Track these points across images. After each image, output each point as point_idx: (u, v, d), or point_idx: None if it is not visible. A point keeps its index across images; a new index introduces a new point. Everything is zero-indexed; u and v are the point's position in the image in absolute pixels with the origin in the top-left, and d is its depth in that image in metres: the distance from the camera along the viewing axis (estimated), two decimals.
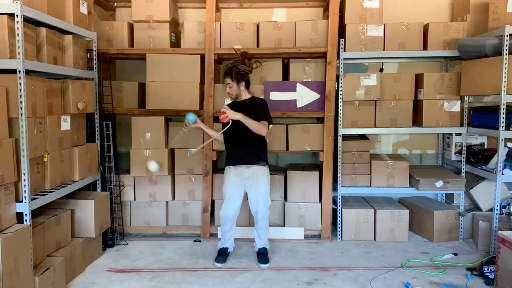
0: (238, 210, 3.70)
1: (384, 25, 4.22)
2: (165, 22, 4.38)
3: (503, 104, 3.66)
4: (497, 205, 3.81)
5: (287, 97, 4.30)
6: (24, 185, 2.86)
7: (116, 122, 4.64)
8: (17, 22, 2.77)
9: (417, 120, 4.35)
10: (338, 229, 4.32)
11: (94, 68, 4.00)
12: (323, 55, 4.31)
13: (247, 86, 3.70)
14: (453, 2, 4.68)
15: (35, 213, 3.18)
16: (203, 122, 4.30)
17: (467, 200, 4.42)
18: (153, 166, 3.88)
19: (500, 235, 3.19)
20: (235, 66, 3.63)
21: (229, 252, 3.80)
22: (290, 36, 4.32)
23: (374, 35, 4.21)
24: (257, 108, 3.64)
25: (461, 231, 4.31)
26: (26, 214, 2.87)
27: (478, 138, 4.53)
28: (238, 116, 3.49)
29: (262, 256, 3.71)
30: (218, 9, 4.62)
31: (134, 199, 4.43)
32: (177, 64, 4.25)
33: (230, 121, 3.53)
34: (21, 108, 2.81)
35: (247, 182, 3.64)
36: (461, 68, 4.22)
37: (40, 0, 3.07)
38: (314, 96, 4.30)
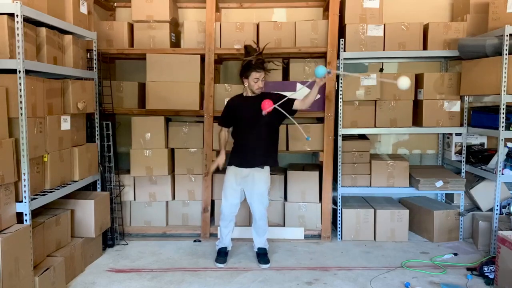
0: (236, 209, 3.71)
1: (384, 25, 4.21)
2: (165, 22, 4.38)
3: (503, 104, 3.66)
4: (497, 205, 3.81)
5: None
6: (24, 185, 2.86)
7: (116, 122, 4.63)
8: (17, 22, 2.76)
9: (417, 120, 4.35)
10: (338, 229, 4.32)
11: (94, 68, 4.00)
12: (323, 55, 4.31)
13: None
14: (453, 2, 4.68)
15: (35, 213, 3.18)
16: (202, 122, 4.33)
17: (467, 200, 4.42)
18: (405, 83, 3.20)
19: (500, 235, 3.19)
20: (262, 59, 3.57)
21: (228, 251, 3.80)
22: (290, 36, 4.32)
23: (374, 35, 4.21)
24: (280, 97, 3.54)
25: (461, 231, 4.31)
26: (26, 214, 2.86)
27: (478, 138, 4.53)
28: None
29: (262, 256, 3.71)
30: (218, 9, 4.62)
31: (134, 199, 4.43)
32: (177, 64, 4.25)
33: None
34: (21, 108, 2.81)
35: (244, 182, 3.63)
36: (461, 68, 4.22)
37: (40, 0, 3.06)
38: None
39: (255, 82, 3.56)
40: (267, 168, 3.67)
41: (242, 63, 3.65)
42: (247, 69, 3.58)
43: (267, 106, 3.36)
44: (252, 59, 3.57)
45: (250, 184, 3.61)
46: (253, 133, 3.57)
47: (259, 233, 3.75)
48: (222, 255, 3.73)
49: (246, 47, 3.71)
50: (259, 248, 3.76)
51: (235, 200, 3.68)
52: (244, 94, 3.71)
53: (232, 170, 3.67)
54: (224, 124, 3.80)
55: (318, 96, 4.27)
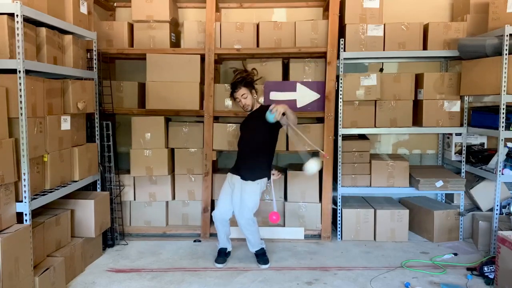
0: (228, 214, 3.68)
1: (384, 25, 4.21)
2: (165, 22, 4.38)
3: (503, 104, 3.66)
4: (497, 205, 3.81)
5: (287, 97, 4.29)
6: (24, 185, 2.86)
7: (116, 122, 4.64)
8: (17, 22, 2.77)
9: (417, 120, 4.35)
10: (338, 229, 4.32)
11: (94, 68, 4.00)
12: (323, 55, 4.31)
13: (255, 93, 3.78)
14: (453, 2, 4.68)
15: (35, 213, 3.18)
16: (202, 122, 4.33)
17: (467, 200, 4.42)
18: (312, 167, 3.45)
19: (500, 235, 3.19)
20: (242, 76, 3.64)
21: (229, 252, 3.80)
22: (290, 36, 4.32)
23: (374, 35, 4.21)
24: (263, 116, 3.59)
25: (461, 231, 4.31)
26: (26, 214, 2.87)
27: (478, 138, 4.53)
28: (284, 108, 3.34)
29: (261, 257, 3.71)
30: (218, 9, 4.62)
31: (134, 199, 4.43)
32: (177, 64, 4.25)
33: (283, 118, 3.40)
34: (21, 108, 2.81)
35: (233, 188, 3.64)
36: (461, 68, 4.22)
37: (40, 0, 3.07)
38: (314, 96, 4.30)
39: (238, 101, 3.70)
40: (252, 183, 3.57)
41: None
42: (231, 93, 3.75)
43: (275, 219, 3.64)
44: (234, 80, 3.68)
45: (237, 192, 3.60)
46: (245, 147, 3.69)
47: (248, 240, 3.73)
48: (222, 255, 3.73)
49: (234, 71, 3.82)
50: (256, 250, 3.75)
51: (226, 206, 3.67)
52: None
53: (228, 176, 3.75)
54: None
55: (318, 96, 4.29)
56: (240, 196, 3.59)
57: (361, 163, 4.35)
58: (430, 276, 3.46)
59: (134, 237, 4.34)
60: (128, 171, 4.39)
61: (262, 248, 3.76)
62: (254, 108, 3.74)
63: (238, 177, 3.62)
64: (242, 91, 3.63)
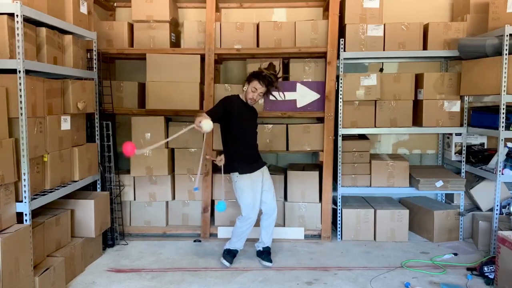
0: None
1: (384, 25, 4.22)
2: (165, 22, 4.38)
3: (503, 104, 3.66)
4: (497, 205, 3.81)
5: (287, 97, 4.28)
6: (24, 185, 2.86)
7: (116, 122, 4.64)
8: (17, 22, 2.77)
9: (417, 120, 4.35)
10: (338, 229, 4.32)
11: (94, 68, 4.00)
12: (323, 55, 4.31)
13: None
14: (453, 2, 4.68)
15: (35, 213, 3.18)
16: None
17: (467, 200, 4.42)
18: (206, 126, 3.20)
19: (500, 235, 3.19)
20: (274, 81, 3.56)
21: (237, 253, 3.80)
22: (290, 36, 4.32)
23: (374, 35, 4.21)
24: (256, 117, 3.81)
25: (461, 231, 4.31)
26: (26, 214, 2.87)
27: (478, 138, 4.53)
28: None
29: (266, 254, 3.72)
30: (218, 9, 4.62)
31: (134, 199, 4.44)
32: (177, 64, 4.25)
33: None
34: (21, 108, 2.81)
35: (261, 184, 3.65)
36: (461, 68, 4.22)
37: (40, 0, 3.07)
38: (314, 96, 4.30)
39: (252, 92, 3.52)
40: (267, 168, 3.78)
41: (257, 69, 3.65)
42: (254, 76, 3.54)
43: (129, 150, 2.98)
44: (266, 73, 3.53)
45: (265, 184, 3.67)
46: (250, 137, 3.68)
47: (269, 231, 3.75)
48: (231, 255, 3.72)
49: (271, 63, 3.76)
50: (264, 247, 3.76)
51: (258, 204, 3.66)
52: (241, 97, 3.64)
53: (247, 177, 3.59)
54: (214, 117, 3.39)
55: (318, 96, 4.29)
56: (269, 185, 3.70)
57: (361, 163, 4.35)
58: (430, 276, 3.46)
59: (134, 237, 4.34)
60: (128, 171, 4.39)
61: (269, 247, 3.78)
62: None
63: (258, 172, 3.63)
64: (262, 89, 3.53)
